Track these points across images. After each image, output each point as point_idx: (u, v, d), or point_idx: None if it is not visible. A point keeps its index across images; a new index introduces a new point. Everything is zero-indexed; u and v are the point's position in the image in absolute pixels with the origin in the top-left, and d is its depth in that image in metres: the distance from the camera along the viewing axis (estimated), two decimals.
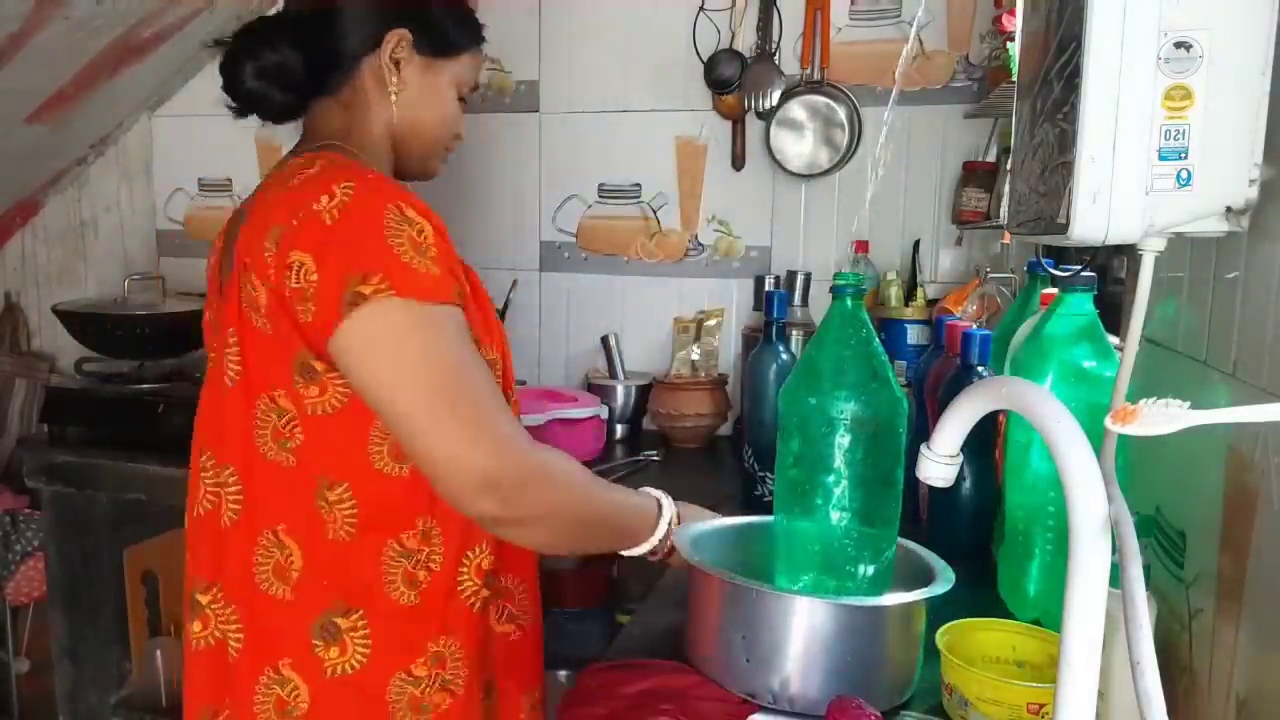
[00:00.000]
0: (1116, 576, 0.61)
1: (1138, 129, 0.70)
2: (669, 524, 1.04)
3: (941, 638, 0.92)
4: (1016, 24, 1.09)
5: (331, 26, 1.03)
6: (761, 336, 1.60)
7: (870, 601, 0.94)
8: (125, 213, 2.73)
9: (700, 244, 2.33)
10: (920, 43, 2.09)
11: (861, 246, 2.14)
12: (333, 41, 1.04)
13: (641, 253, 2.37)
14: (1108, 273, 1.46)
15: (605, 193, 2.37)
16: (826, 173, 2.18)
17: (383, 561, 0.95)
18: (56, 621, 2.19)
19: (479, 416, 0.87)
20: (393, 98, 1.05)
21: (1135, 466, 0.99)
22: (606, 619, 2.00)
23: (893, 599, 0.94)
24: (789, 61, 2.20)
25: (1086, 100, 0.71)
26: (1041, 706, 0.84)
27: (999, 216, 1.87)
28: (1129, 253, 0.79)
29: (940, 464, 0.75)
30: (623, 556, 1.04)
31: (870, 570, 0.97)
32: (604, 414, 2.08)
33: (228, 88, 1.04)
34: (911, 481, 0.89)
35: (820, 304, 1.74)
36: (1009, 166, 1.22)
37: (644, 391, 2.23)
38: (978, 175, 2.02)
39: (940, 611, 0.95)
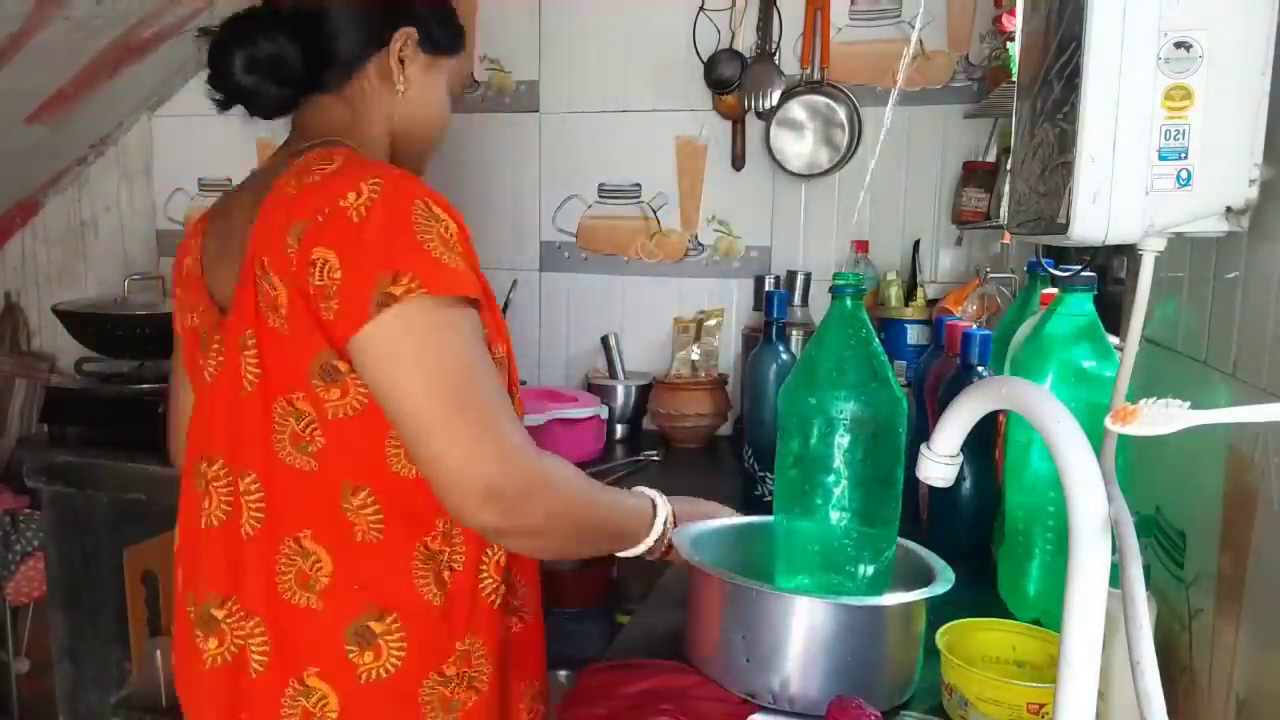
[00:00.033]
0: (1116, 576, 0.61)
1: (1138, 129, 0.70)
2: (665, 523, 1.04)
3: (941, 638, 0.92)
4: (1016, 24, 1.09)
5: (338, 22, 1.02)
6: (761, 336, 1.60)
7: (870, 601, 0.94)
8: (125, 213, 2.74)
9: (700, 244, 2.33)
10: (920, 43, 2.09)
11: (861, 246, 2.14)
12: (338, 37, 1.02)
13: (641, 253, 2.37)
14: (1108, 273, 1.46)
15: (605, 193, 2.37)
16: (826, 173, 2.18)
17: (413, 563, 0.94)
18: (56, 621, 2.19)
19: (486, 419, 0.86)
20: (399, 95, 1.05)
21: (1135, 466, 0.99)
22: (606, 619, 2.00)
23: (893, 599, 0.94)
24: (789, 61, 2.20)
25: (1086, 100, 0.71)
26: (1041, 706, 0.84)
27: (999, 216, 1.87)
28: (1129, 253, 0.79)
29: (940, 464, 0.75)
30: (621, 557, 1.04)
31: (870, 570, 0.97)
32: (604, 414, 2.08)
33: (215, 79, 1.00)
34: (911, 481, 0.89)
35: (820, 304, 1.73)
36: (1009, 166, 1.22)
37: (644, 391, 2.23)
38: (978, 175, 2.02)
39: (940, 611, 0.95)
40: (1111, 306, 1.20)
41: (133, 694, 2.20)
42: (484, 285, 0.97)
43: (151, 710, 2.16)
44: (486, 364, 0.90)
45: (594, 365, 2.34)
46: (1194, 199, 0.71)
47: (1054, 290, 1.15)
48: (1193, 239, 0.81)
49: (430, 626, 0.95)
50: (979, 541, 1.27)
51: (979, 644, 0.95)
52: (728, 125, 2.26)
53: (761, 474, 1.55)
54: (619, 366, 2.24)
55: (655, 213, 2.35)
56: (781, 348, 1.57)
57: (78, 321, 2.27)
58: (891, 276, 2.06)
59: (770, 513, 1.04)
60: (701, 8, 2.22)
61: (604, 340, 2.25)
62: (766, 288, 2.15)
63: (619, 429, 2.23)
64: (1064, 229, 0.73)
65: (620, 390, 2.21)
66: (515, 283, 2.36)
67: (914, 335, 1.96)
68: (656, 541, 1.03)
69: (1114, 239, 0.73)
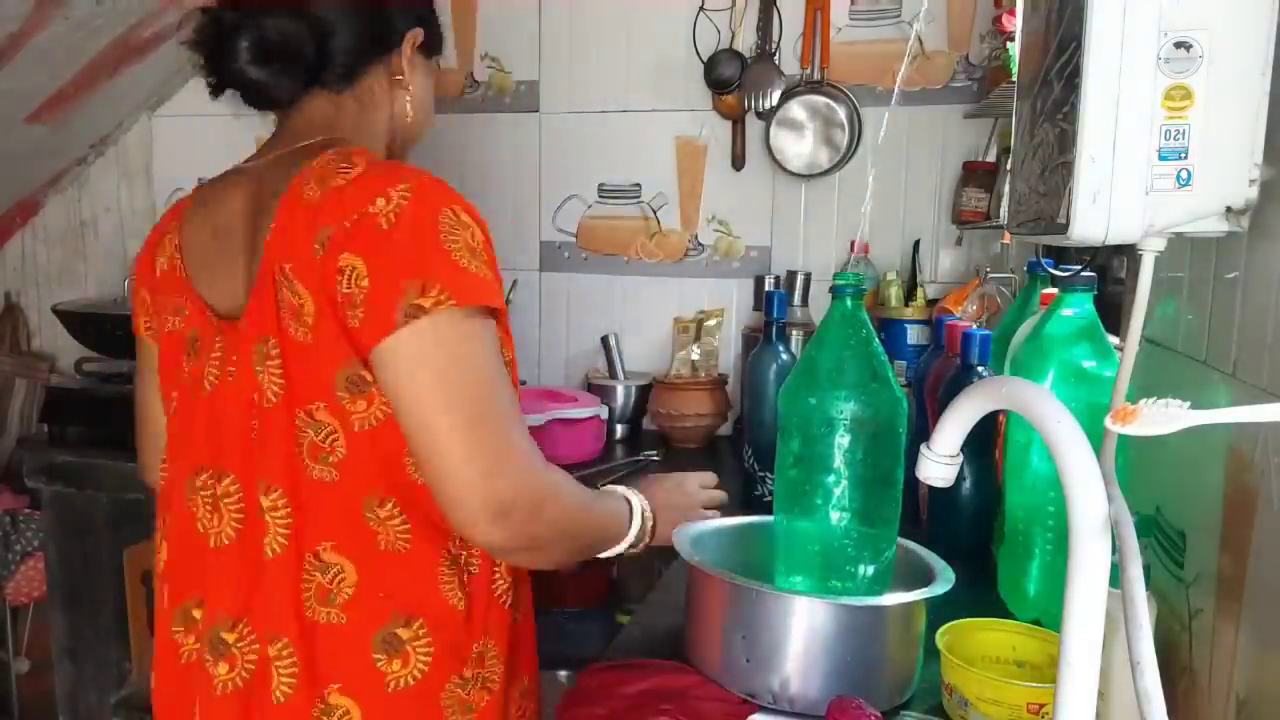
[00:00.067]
0: (1116, 576, 0.61)
1: (1138, 129, 0.70)
2: (642, 516, 1.03)
3: (941, 638, 0.92)
4: (1016, 24, 1.09)
5: (359, 18, 1.00)
6: (761, 336, 1.60)
7: (870, 601, 0.94)
8: (125, 213, 2.73)
9: (700, 244, 2.33)
10: (920, 43, 2.09)
11: (861, 247, 2.15)
12: (357, 32, 1.00)
13: (641, 253, 2.37)
14: (1108, 273, 1.46)
15: (605, 193, 2.37)
16: (826, 173, 2.18)
17: (440, 569, 0.93)
18: (56, 621, 2.19)
19: (501, 434, 0.85)
20: (407, 96, 1.05)
21: (1135, 466, 0.99)
22: (606, 619, 2.00)
23: (893, 599, 0.94)
24: (789, 61, 2.20)
25: (1086, 100, 0.71)
26: (1041, 706, 0.84)
27: (999, 216, 1.88)
28: (1129, 253, 0.79)
29: (940, 464, 0.75)
30: (612, 556, 1.04)
31: (870, 570, 0.97)
32: (604, 414, 2.08)
33: (218, 62, 0.96)
34: (911, 481, 0.89)
35: (820, 304, 1.74)
36: (1009, 166, 1.22)
37: (644, 391, 2.23)
38: (978, 175, 2.02)
39: (940, 611, 0.96)
40: (1111, 306, 1.20)
41: (133, 694, 2.20)
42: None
43: (151, 710, 2.16)
44: (503, 375, 0.89)
45: (594, 365, 2.34)
46: (1194, 199, 0.71)
47: (1054, 290, 1.15)
48: (1193, 239, 0.81)
49: (454, 630, 0.93)
50: (979, 541, 1.27)
51: (979, 644, 0.95)
52: (728, 125, 2.26)
53: (761, 474, 1.55)
54: (619, 366, 2.24)
55: (655, 213, 2.35)
56: (781, 348, 1.57)
57: (78, 321, 2.27)
58: (891, 276, 2.07)
59: (770, 513, 1.04)
60: (701, 8, 2.22)
61: (604, 340, 2.25)
62: (766, 288, 2.15)
63: (619, 429, 2.23)
64: (1064, 229, 0.73)
65: (620, 390, 2.21)
66: (515, 283, 2.36)
67: (914, 335, 1.96)
68: (637, 537, 1.03)
69: (1114, 239, 0.73)
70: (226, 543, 0.94)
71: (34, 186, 2.68)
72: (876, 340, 0.98)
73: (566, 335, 2.43)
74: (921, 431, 1.18)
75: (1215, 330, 0.84)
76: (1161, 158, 0.70)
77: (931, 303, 2.01)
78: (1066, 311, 1.07)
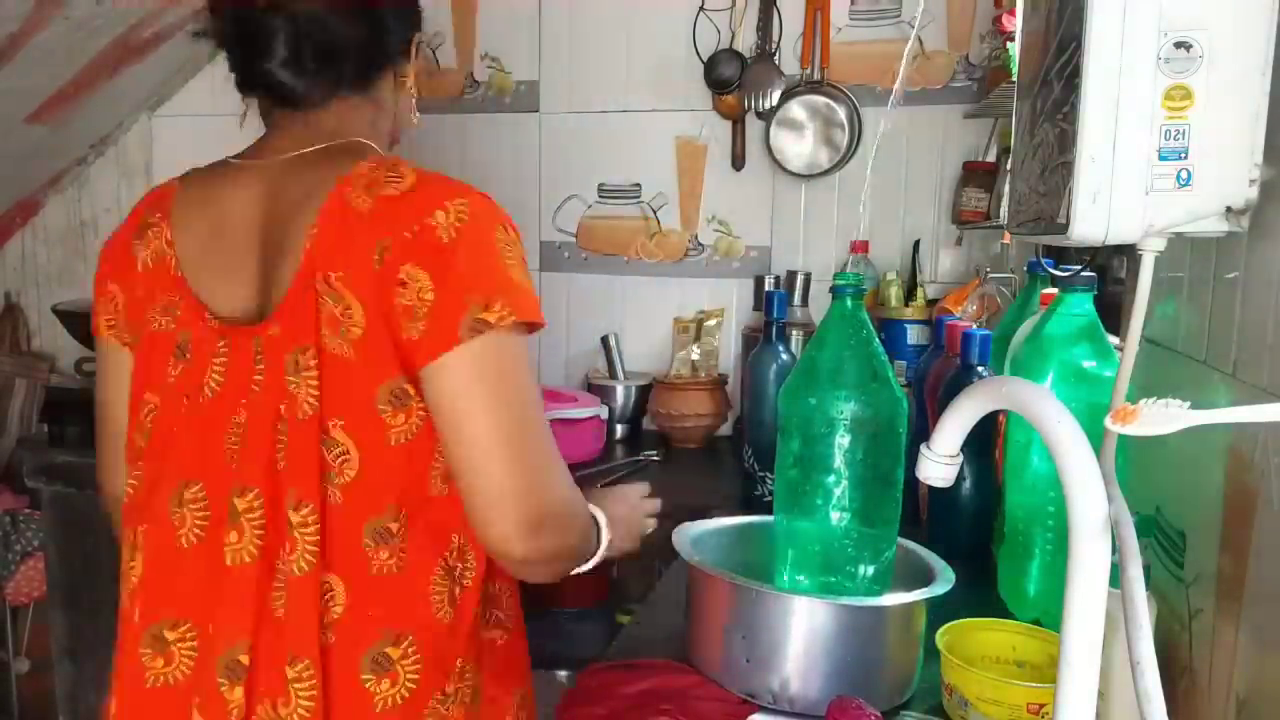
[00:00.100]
0: (1116, 576, 0.61)
1: (1137, 129, 0.70)
2: (606, 534, 1.02)
3: (941, 638, 0.92)
4: (1016, 24, 1.09)
5: (388, 20, 1.00)
6: (761, 336, 1.60)
7: (870, 601, 0.94)
8: (125, 213, 2.71)
9: (700, 244, 2.33)
10: (920, 43, 2.09)
11: (861, 246, 2.14)
12: (388, 35, 1.00)
13: (641, 253, 2.37)
14: (1108, 273, 1.46)
15: (605, 193, 2.37)
16: (826, 173, 2.18)
17: (432, 583, 0.91)
18: (56, 621, 2.19)
19: (543, 449, 0.86)
20: (412, 99, 1.05)
21: (1135, 466, 0.99)
22: (606, 619, 1.99)
23: (893, 599, 0.94)
24: (789, 61, 2.20)
25: (1086, 100, 0.71)
26: (1041, 706, 0.84)
27: (999, 216, 1.88)
28: (1129, 253, 0.79)
29: (940, 464, 0.75)
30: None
31: (870, 570, 0.97)
32: (604, 414, 2.08)
33: (249, 58, 0.93)
34: (911, 481, 0.89)
35: (820, 304, 1.74)
36: (1009, 166, 1.22)
37: (644, 391, 2.23)
38: (978, 175, 2.02)
39: (940, 611, 0.96)
40: (1111, 306, 1.20)
41: None
42: None
43: None
44: (538, 388, 0.91)
45: (594, 365, 2.34)
46: (1194, 199, 0.71)
47: (1054, 290, 1.15)
48: (1193, 239, 0.81)
49: (439, 645, 0.92)
50: (979, 541, 1.27)
51: (979, 644, 0.95)
52: (728, 125, 2.26)
53: (761, 474, 1.55)
54: (619, 366, 2.24)
55: (655, 213, 2.35)
56: (781, 348, 1.57)
57: (78, 321, 2.27)
58: (891, 276, 2.07)
59: (770, 513, 1.04)
60: (701, 8, 2.22)
61: (604, 340, 2.25)
62: (766, 288, 2.15)
63: (619, 429, 2.23)
64: (1064, 229, 0.73)
65: (620, 390, 2.21)
66: None
67: (914, 335, 1.96)
68: (603, 552, 1.02)
69: (1114, 239, 0.73)
70: (248, 560, 0.88)
71: (34, 186, 2.68)
72: (876, 340, 0.98)
73: (566, 335, 2.43)
74: (921, 431, 1.18)
75: (1215, 330, 0.84)
76: (1161, 158, 0.70)
77: (931, 303, 2.01)
78: (1066, 311, 1.07)
